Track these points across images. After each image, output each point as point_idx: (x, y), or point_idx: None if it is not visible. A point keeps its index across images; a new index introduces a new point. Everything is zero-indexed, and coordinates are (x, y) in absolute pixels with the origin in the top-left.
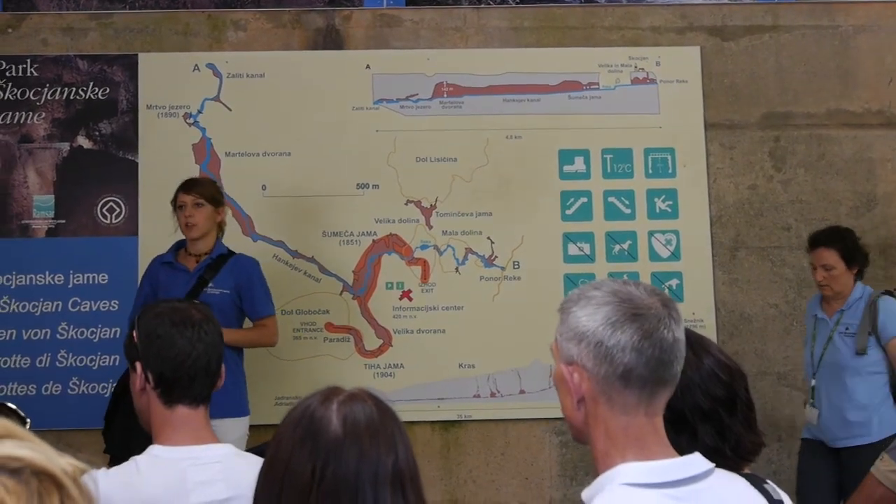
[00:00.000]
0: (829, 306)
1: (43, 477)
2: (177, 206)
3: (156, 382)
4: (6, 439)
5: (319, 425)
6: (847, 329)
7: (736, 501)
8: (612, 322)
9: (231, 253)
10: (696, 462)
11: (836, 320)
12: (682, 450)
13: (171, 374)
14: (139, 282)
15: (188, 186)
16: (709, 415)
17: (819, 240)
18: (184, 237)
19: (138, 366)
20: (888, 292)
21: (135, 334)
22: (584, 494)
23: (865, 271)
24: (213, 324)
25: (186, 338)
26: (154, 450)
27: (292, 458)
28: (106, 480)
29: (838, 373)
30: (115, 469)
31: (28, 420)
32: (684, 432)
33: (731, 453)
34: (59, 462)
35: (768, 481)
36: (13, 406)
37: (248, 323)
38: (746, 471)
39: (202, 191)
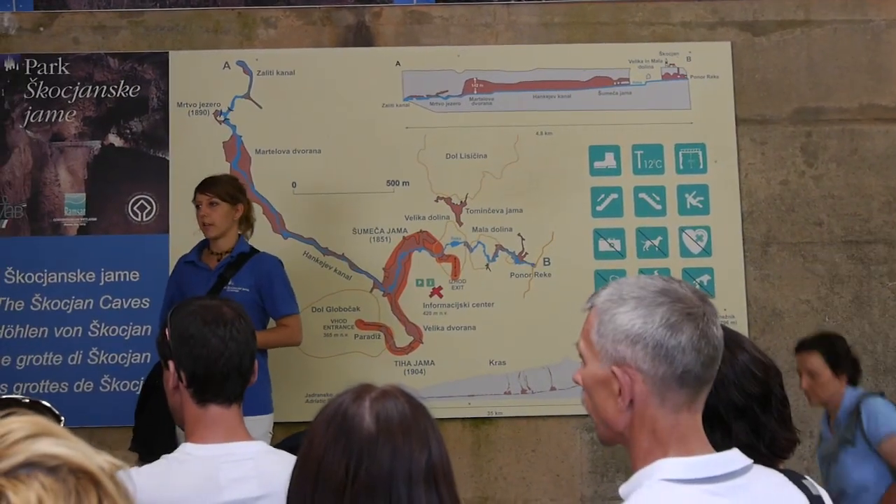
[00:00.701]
0: (831, 423)
1: (80, 475)
2: (196, 205)
3: (188, 381)
4: (43, 437)
5: (352, 423)
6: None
7: (775, 497)
8: (671, 324)
9: (253, 251)
10: (735, 458)
11: (837, 436)
12: (716, 446)
13: (203, 374)
14: (168, 281)
15: (203, 186)
16: (743, 411)
17: (803, 344)
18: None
19: (171, 364)
20: (870, 393)
21: (167, 333)
22: (623, 490)
23: (859, 379)
24: (246, 321)
25: (219, 336)
26: (187, 447)
27: (325, 456)
28: (139, 478)
29: (852, 497)
30: (147, 467)
31: (63, 418)
32: (718, 429)
33: (766, 450)
34: (97, 459)
35: (807, 477)
36: (48, 404)
37: (271, 322)
38: (781, 468)
39: (217, 190)
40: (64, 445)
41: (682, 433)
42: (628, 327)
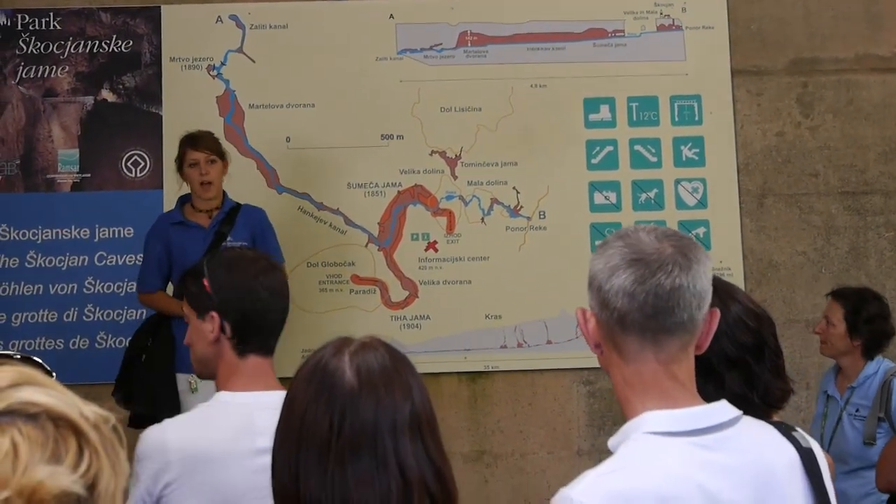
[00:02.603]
0: (841, 382)
1: (60, 422)
2: (186, 163)
3: (233, 332)
4: (25, 385)
5: (333, 377)
6: (857, 411)
7: (764, 449)
8: (610, 267)
9: (238, 204)
10: (723, 409)
11: (846, 399)
12: (708, 397)
13: (253, 325)
14: (145, 241)
15: (197, 142)
16: (736, 362)
17: (835, 292)
18: (186, 193)
19: (213, 316)
20: None
21: (206, 284)
22: (611, 442)
23: (875, 353)
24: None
25: (267, 289)
26: (222, 396)
27: (308, 412)
28: (177, 426)
29: (848, 462)
30: (184, 416)
31: (53, 374)
32: (711, 380)
33: (759, 401)
34: (80, 408)
35: (797, 429)
36: (39, 360)
37: None
38: (775, 418)
39: (213, 146)
40: (45, 393)
41: (651, 383)
42: (589, 271)
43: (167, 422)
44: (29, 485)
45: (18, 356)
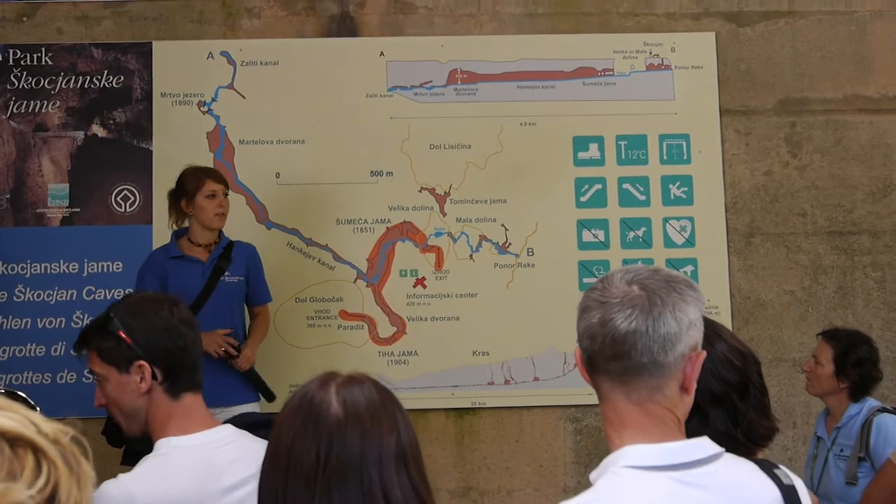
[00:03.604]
0: (829, 423)
1: (16, 441)
2: (203, 193)
3: (165, 376)
4: None
5: (319, 409)
6: (842, 451)
7: (744, 485)
8: (582, 308)
9: (231, 241)
10: (703, 445)
11: (832, 439)
12: (693, 434)
13: (180, 365)
14: (139, 276)
15: (216, 175)
16: (721, 399)
17: (827, 332)
18: (181, 227)
19: (142, 365)
20: (886, 409)
21: (123, 335)
22: (592, 476)
23: (861, 395)
24: (185, 305)
25: (185, 323)
26: (171, 442)
27: (294, 444)
28: (137, 483)
29: (833, 502)
30: (139, 470)
31: (37, 408)
32: (695, 416)
33: (744, 438)
34: (39, 425)
35: (780, 466)
36: (23, 395)
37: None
38: (760, 456)
39: (225, 181)
40: (1, 416)
41: (626, 422)
42: None
43: (124, 477)
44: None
45: (3, 390)
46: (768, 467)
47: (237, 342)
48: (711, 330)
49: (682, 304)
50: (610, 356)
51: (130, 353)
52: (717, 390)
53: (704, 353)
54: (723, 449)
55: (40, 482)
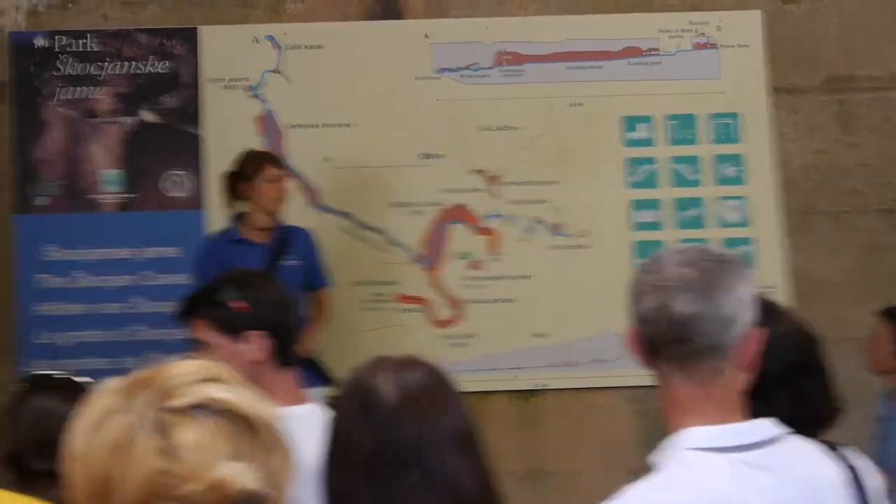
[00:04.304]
0: (892, 400)
1: (241, 420)
2: (264, 178)
3: (276, 347)
4: (212, 382)
5: (373, 396)
6: None
7: (808, 466)
8: (636, 293)
9: (288, 225)
10: (766, 427)
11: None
12: (755, 417)
13: (288, 338)
14: (199, 260)
15: (275, 159)
16: (783, 381)
17: (885, 310)
18: (238, 211)
19: (256, 335)
20: None
21: (238, 304)
22: (652, 458)
23: None
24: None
25: (291, 300)
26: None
27: (351, 432)
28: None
29: None
30: None
31: None
32: (758, 399)
33: (808, 420)
34: (257, 407)
35: (844, 446)
36: (81, 380)
37: None
38: (825, 437)
39: (283, 164)
40: (233, 393)
41: (695, 404)
42: None
43: None
44: (214, 480)
45: (62, 376)
46: (832, 448)
47: None
48: (773, 310)
49: (738, 283)
50: (670, 340)
51: (245, 323)
52: (780, 372)
53: (762, 330)
54: (786, 430)
55: (258, 465)
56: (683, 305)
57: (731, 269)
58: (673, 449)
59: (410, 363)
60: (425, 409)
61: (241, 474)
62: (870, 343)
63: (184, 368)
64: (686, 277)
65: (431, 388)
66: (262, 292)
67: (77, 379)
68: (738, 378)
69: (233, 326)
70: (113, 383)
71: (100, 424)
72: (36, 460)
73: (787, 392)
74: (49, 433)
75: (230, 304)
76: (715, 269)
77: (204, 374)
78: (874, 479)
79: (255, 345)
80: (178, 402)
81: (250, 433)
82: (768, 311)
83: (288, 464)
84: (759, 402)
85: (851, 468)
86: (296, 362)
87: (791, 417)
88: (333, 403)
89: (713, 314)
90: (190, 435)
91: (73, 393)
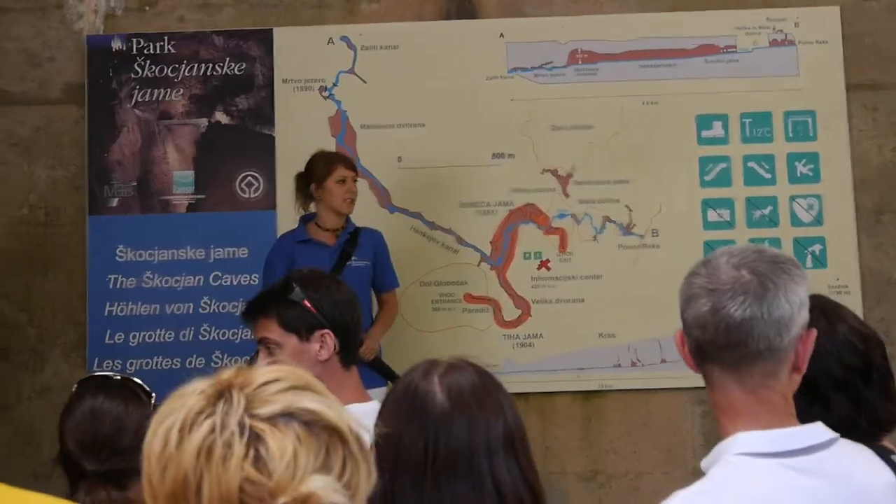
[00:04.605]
0: None
1: (331, 431)
2: (335, 179)
3: (342, 346)
4: (303, 391)
5: (425, 400)
6: None
7: (860, 472)
8: (688, 296)
9: (358, 226)
10: (817, 431)
11: None
12: (814, 420)
13: (355, 336)
14: (267, 261)
15: (347, 161)
16: (843, 384)
17: None
18: (309, 212)
19: (325, 334)
20: None
21: (308, 304)
22: (703, 463)
23: None
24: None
25: (358, 300)
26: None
27: (402, 436)
28: None
29: None
30: None
31: (154, 395)
32: (817, 402)
33: (867, 424)
34: (346, 419)
35: None
36: (139, 381)
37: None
38: (886, 443)
39: (356, 167)
40: (320, 402)
41: (747, 409)
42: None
43: None
44: (303, 494)
45: (119, 377)
46: (886, 453)
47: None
48: (833, 312)
49: (793, 284)
50: (724, 345)
51: (315, 322)
52: (840, 374)
53: (815, 332)
54: (837, 434)
55: (345, 478)
56: (738, 310)
57: (785, 269)
58: (723, 454)
59: (460, 367)
60: (476, 414)
61: (330, 488)
62: None
63: (270, 374)
64: (741, 280)
65: (481, 392)
66: (330, 292)
67: (134, 380)
68: (791, 381)
69: (301, 325)
70: (197, 385)
71: (186, 427)
72: (87, 461)
73: (846, 395)
74: (100, 434)
75: (299, 303)
76: (769, 272)
77: (292, 381)
78: None
79: (323, 344)
80: (266, 409)
81: (337, 444)
82: (830, 313)
83: (369, 475)
84: (818, 406)
85: None
86: (359, 361)
87: (850, 421)
88: (383, 407)
89: (768, 318)
90: (280, 444)
91: (128, 394)
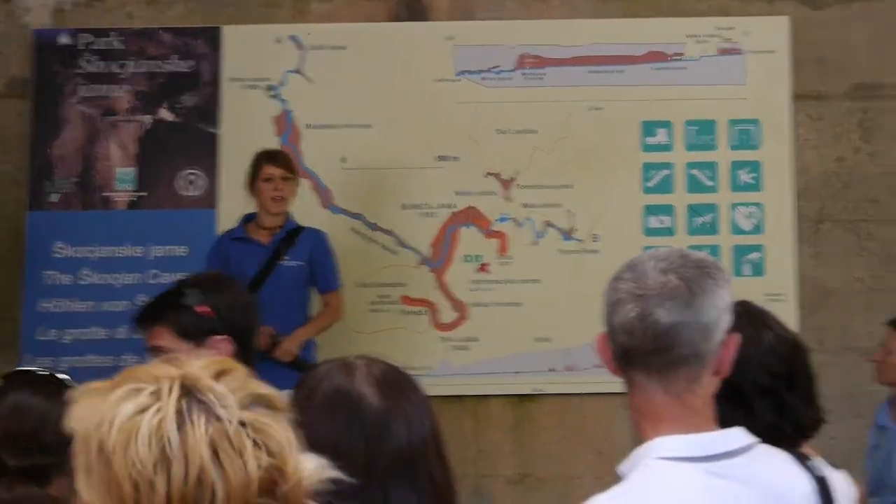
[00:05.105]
0: (895, 413)
1: (277, 410)
2: (261, 178)
3: (238, 352)
4: (246, 377)
5: (360, 403)
6: None
7: (776, 476)
8: (614, 301)
9: (300, 226)
10: (736, 436)
11: None
12: (738, 426)
13: (252, 342)
14: (207, 259)
15: (275, 158)
16: (768, 390)
17: (895, 321)
18: (252, 211)
19: (220, 340)
20: None
21: (203, 309)
22: (622, 468)
23: None
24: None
25: (256, 303)
26: None
27: (339, 444)
28: None
29: None
30: None
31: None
32: (741, 408)
33: (791, 430)
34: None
35: (814, 458)
36: (64, 377)
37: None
38: (807, 448)
39: (289, 164)
40: (258, 384)
41: (669, 412)
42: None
43: None
44: (303, 478)
45: (45, 373)
46: (802, 459)
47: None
48: (759, 319)
49: (718, 289)
50: (651, 350)
51: (210, 327)
52: (764, 381)
53: (738, 336)
54: (757, 439)
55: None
56: (667, 315)
57: (711, 274)
58: (642, 458)
59: (377, 363)
60: (410, 413)
61: (319, 468)
62: (881, 355)
63: (208, 364)
64: (668, 286)
65: (407, 389)
66: (226, 295)
67: (60, 376)
68: (712, 384)
69: (196, 331)
70: (125, 387)
71: (177, 426)
72: (8, 456)
73: (770, 402)
74: (23, 429)
75: (194, 309)
76: (696, 277)
77: (223, 366)
78: (845, 492)
79: (219, 349)
80: (233, 399)
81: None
82: (755, 320)
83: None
84: (741, 411)
85: (820, 479)
86: (256, 364)
87: (773, 427)
88: (306, 410)
89: (696, 323)
90: (277, 431)
91: (53, 390)
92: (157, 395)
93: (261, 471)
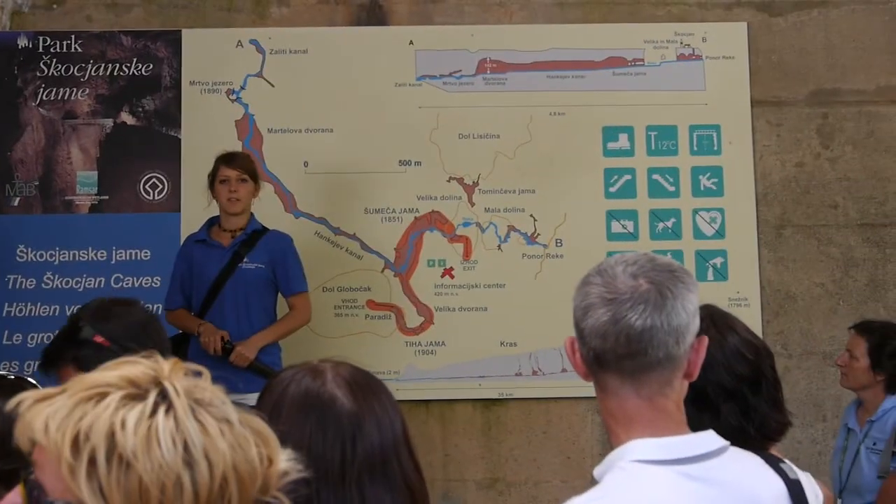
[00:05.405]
0: (861, 415)
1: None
2: (218, 179)
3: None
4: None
5: (332, 405)
6: (875, 444)
7: (750, 479)
8: (584, 305)
9: (265, 229)
10: (709, 439)
11: (865, 432)
12: (704, 428)
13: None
14: (174, 263)
15: (231, 160)
16: (733, 393)
17: (860, 325)
18: (216, 214)
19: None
20: None
21: (100, 340)
22: (596, 471)
23: None
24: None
25: (156, 321)
26: None
27: (312, 446)
28: None
29: (863, 495)
30: None
31: None
32: (707, 411)
33: (756, 433)
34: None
35: (786, 461)
36: (33, 381)
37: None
38: (773, 451)
39: (246, 165)
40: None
41: (634, 418)
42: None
43: None
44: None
45: (13, 377)
46: (774, 462)
47: (229, 338)
48: (724, 322)
49: (687, 293)
50: (623, 354)
51: (109, 355)
52: (729, 384)
53: (706, 339)
54: (728, 443)
55: None
56: (639, 319)
57: (680, 278)
58: (617, 461)
59: (344, 366)
60: (380, 414)
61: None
62: (844, 359)
63: (163, 368)
64: (639, 290)
65: (376, 389)
66: (119, 319)
67: (29, 381)
68: (683, 388)
69: (96, 364)
70: (117, 392)
71: (193, 427)
72: None
73: (735, 405)
74: None
75: (91, 340)
76: (666, 280)
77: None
78: (816, 494)
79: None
80: (208, 397)
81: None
82: (720, 323)
83: None
84: (707, 414)
85: (793, 482)
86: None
87: (739, 430)
88: (271, 416)
89: (667, 326)
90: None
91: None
92: (162, 396)
93: (262, 465)
